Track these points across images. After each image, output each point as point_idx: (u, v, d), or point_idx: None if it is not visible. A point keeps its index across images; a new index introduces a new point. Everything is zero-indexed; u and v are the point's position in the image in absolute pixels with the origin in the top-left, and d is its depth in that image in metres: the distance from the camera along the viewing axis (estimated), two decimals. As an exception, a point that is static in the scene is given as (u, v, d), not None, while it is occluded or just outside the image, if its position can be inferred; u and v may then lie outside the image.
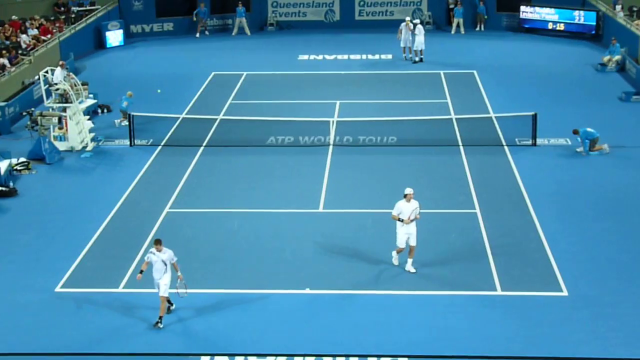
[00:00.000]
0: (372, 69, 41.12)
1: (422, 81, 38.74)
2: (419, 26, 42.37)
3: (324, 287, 20.18)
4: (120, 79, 39.90)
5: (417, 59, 42.13)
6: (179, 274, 18.79)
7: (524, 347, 17.68)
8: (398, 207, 20.62)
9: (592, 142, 28.75)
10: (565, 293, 19.73)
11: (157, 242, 18.60)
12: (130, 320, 18.72)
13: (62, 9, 47.15)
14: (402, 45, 42.65)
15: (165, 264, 18.51)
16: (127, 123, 30.75)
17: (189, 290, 19.02)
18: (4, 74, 35.74)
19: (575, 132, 28.95)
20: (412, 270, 20.64)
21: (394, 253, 21.01)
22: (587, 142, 28.70)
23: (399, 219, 20.59)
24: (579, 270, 20.80)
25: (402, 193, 20.63)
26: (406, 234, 20.58)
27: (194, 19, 49.03)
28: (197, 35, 48.97)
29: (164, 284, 18.46)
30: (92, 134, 30.63)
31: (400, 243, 20.75)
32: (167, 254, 18.59)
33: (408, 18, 43.36)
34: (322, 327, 18.51)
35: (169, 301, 18.86)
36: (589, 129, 28.89)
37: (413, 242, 20.59)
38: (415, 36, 42.07)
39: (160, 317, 18.47)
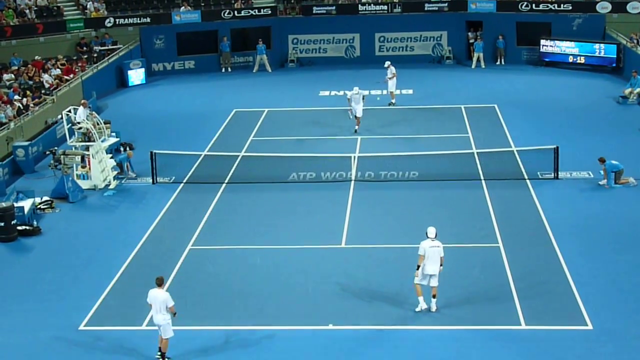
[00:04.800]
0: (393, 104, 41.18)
1: (443, 116, 38.74)
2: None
3: (346, 323, 20.09)
4: (142, 117, 40.20)
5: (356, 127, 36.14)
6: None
7: (549, 382, 17.58)
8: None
9: (616, 174, 28.65)
10: (590, 327, 19.57)
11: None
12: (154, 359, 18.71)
13: (85, 48, 47.62)
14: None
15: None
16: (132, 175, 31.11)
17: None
18: (28, 114, 36.07)
19: (601, 160, 28.77)
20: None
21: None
22: (612, 175, 28.60)
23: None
24: (603, 303, 20.64)
25: (425, 228, 20.50)
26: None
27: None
28: (223, 70, 49.48)
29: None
30: (115, 172, 30.79)
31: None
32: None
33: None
34: (345, 364, 18.45)
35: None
36: (613, 162, 28.80)
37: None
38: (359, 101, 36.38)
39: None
